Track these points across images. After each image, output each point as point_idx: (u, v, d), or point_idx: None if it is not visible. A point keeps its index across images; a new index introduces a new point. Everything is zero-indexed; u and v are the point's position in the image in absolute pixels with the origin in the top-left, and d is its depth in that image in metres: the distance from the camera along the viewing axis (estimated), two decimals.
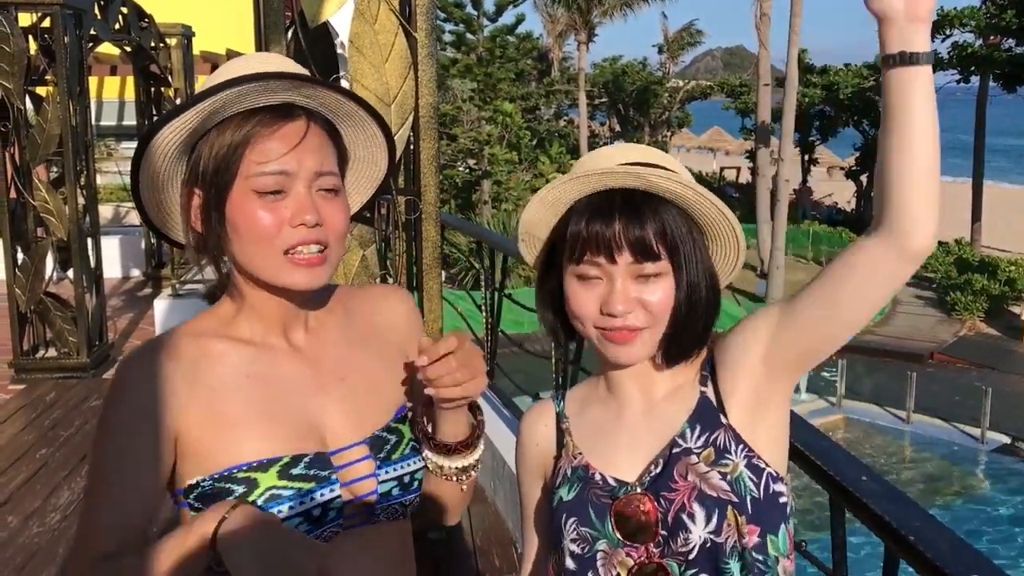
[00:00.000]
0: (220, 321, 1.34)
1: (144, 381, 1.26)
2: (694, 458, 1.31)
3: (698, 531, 1.26)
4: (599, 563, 1.32)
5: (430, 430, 1.38)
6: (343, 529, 1.31)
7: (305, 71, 1.34)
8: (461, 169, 32.28)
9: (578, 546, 1.34)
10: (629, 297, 1.31)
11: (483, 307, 5.68)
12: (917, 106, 1.10)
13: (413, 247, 3.72)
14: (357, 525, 1.33)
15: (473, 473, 1.41)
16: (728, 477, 1.28)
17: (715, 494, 1.27)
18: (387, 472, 1.35)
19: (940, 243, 30.39)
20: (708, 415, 1.34)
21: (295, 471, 1.27)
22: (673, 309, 1.33)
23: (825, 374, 19.60)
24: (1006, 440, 16.70)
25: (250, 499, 1.22)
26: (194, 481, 1.26)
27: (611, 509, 1.33)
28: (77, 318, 6.74)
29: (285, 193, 1.25)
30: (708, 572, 1.26)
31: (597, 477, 1.37)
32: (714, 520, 1.26)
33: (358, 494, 1.32)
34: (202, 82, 1.33)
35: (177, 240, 1.39)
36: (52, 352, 6.88)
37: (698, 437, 1.33)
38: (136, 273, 10.80)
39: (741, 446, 1.31)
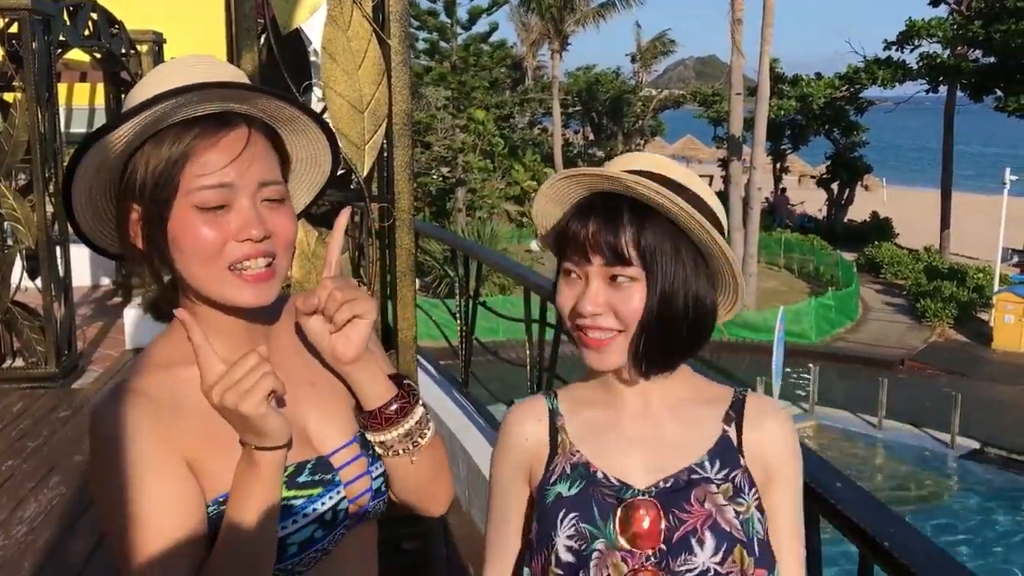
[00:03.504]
0: (180, 345, 1.25)
1: (131, 428, 1.18)
2: (714, 488, 1.33)
3: (703, 558, 1.28)
4: (593, 563, 1.31)
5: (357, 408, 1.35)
6: (348, 530, 1.31)
7: (241, 75, 1.28)
8: (435, 177, 32.24)
9: (575, 542, 1.32)
10: (599, 300, 1.32)
11: (457, 315, 5.66)
12: None
13: (387, 255, 3.70)
14: (356, 524, 1.33)
15: (421, 440, 1.34)
16: (741, 517, 1.31)
17: (728, 529, 1.30)
18: (377, 468, 1.36)
19: (910, 251, 30.74)
20: (729, 455, 1.37)
21: (301, 479, 1.26)
22: (643, 318, 1.32)
23: (797, 381, 19.74)
24: (975, 445, 16.86)
25: None
26: None
27: (616, 510, 1.32)
28: (45, 327, 6.65)
29: (229, 207, 1.18)
30: None
31: (600, 475, 1.36)
32: (722, 552, 1.28)
33: (356, 493, 1.33)
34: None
35: (111, 253, 1.33)
36: (19, 362, 6.78)
37: (718, 471, 1.35)
38: (106, 281, 10.67)
39: (754, 490, 1.35)
